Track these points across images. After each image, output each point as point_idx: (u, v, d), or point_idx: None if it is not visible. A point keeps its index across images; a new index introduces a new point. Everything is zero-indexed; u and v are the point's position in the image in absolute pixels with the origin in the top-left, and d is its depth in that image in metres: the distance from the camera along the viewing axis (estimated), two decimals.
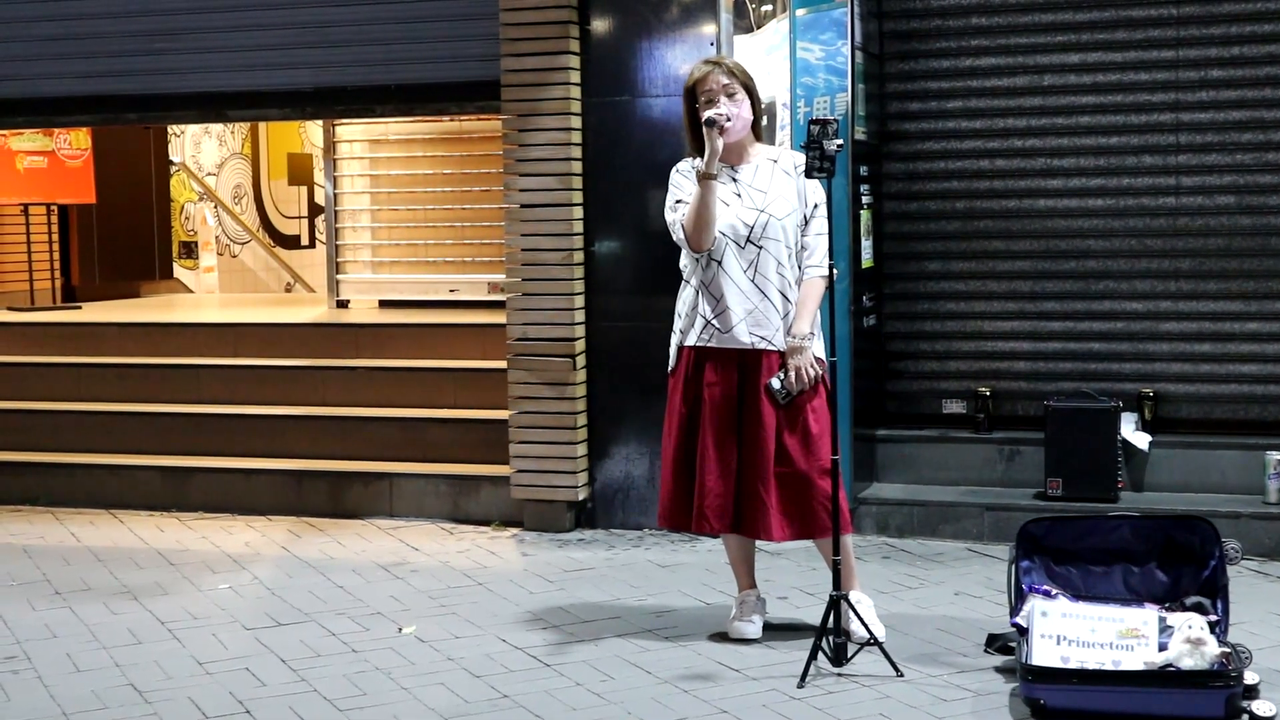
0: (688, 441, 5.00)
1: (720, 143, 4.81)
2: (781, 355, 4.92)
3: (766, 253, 4.91)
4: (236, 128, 15.05)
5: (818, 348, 4.96)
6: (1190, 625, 4.31)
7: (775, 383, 4.88)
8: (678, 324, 5.08)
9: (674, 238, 5.00)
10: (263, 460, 7.63)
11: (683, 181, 5.00)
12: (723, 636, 5.13)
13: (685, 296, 5.05)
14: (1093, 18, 6.77)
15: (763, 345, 4.92)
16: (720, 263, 4.91)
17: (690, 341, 4.99)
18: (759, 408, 4.90)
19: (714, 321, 4.93)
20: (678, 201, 4.97)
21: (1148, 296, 6.79)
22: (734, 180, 4.96)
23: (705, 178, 4.81)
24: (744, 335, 4.91)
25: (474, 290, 9.44)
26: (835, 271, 4.95)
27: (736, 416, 4.94)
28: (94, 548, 6.80)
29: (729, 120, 4.83)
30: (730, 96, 4.90)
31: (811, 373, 4.90)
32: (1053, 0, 6.80)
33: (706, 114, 4.81)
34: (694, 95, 4.96)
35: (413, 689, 4.67)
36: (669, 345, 5.13)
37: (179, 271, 13.36)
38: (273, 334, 8.66)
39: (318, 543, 6.80)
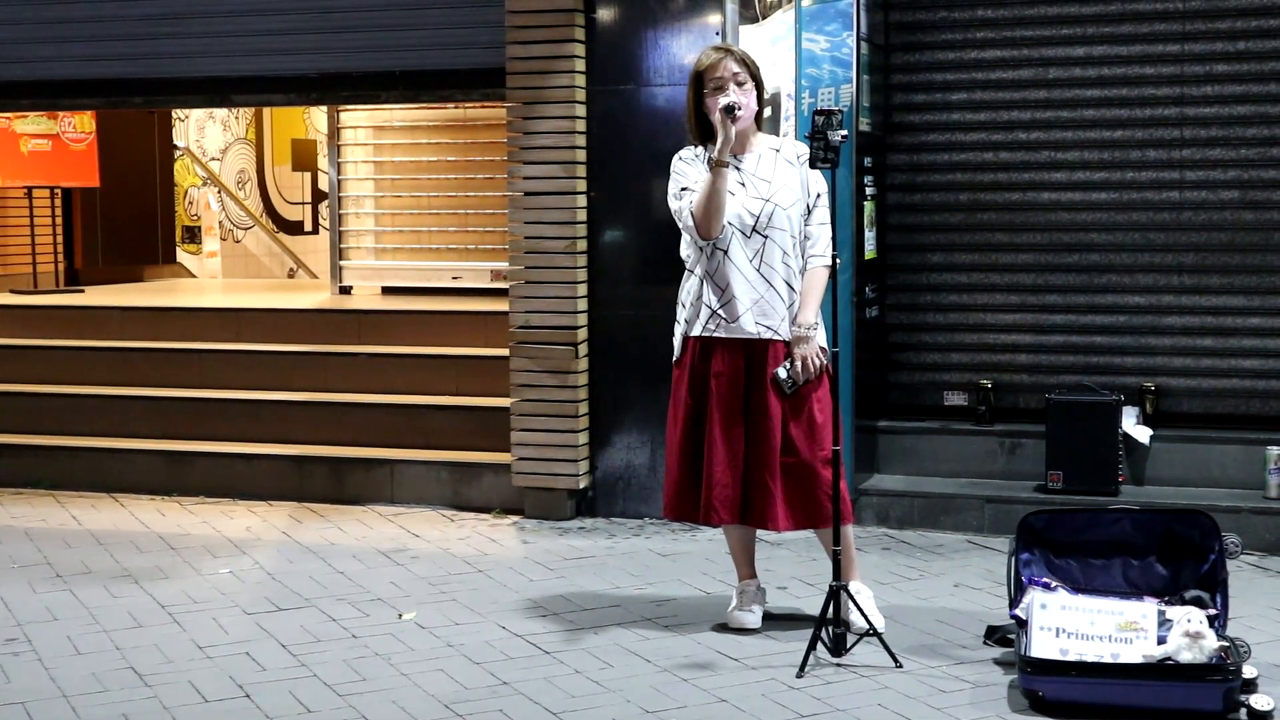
0: (694, 432, 4.99)
1: (734, 130, 4.80)
2: (787, 345, 4.92)
3: (772, 242, 4.90)
4: (241, 113, 15.01)
5: (821, 337, 4.96)
6: (1189, 619, 4.32)
7: (782, 372, 4.88)
8: (681, 314, 5.07)
9: (680, 225, 4.99)
10: (264, 445, 7.64)
11: (686, 169, 4.99)
12: (722, 626, 5.13)
13: (689, 286, 5.04)
14: (1099, 11, 6.76)
15: (769, 335, 4.91)
16: (726, 252, 4.91)
17: (695, 332, 4.98)
18: (765, 397, 4.90)
19: (720, 311, 4.93)
20: (683, 189, 4.96)
21: (1150, 290, 6.79)
22: (738, 169, 4.96)
23: (719, 165, 4.80)
24: (750, 325, 4.91)
25: (477, 277, 9.44)
26: (838, 261, 4.94)
27: (743, 406, 4.94)
28: (95, 531, 6.80)
29: (741, 109, 4.83)
30: (740, 85, 4.89)
31: (817, 362, 4.90)
32: None
33: (724, 100, 4.79)
34: (701, 82, 4.94)
35: (412, 675, 4.68)
36: (672, 335, 5.13)
37: (182, 256, 13.33)
38: (275, 319, 8.65)
39: (318, 528, 6.81)
